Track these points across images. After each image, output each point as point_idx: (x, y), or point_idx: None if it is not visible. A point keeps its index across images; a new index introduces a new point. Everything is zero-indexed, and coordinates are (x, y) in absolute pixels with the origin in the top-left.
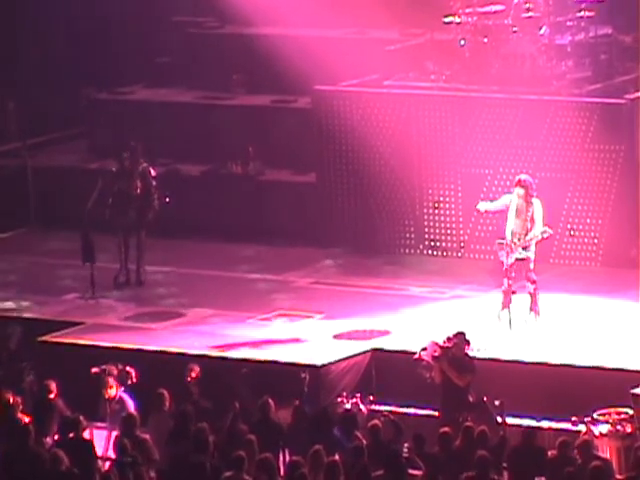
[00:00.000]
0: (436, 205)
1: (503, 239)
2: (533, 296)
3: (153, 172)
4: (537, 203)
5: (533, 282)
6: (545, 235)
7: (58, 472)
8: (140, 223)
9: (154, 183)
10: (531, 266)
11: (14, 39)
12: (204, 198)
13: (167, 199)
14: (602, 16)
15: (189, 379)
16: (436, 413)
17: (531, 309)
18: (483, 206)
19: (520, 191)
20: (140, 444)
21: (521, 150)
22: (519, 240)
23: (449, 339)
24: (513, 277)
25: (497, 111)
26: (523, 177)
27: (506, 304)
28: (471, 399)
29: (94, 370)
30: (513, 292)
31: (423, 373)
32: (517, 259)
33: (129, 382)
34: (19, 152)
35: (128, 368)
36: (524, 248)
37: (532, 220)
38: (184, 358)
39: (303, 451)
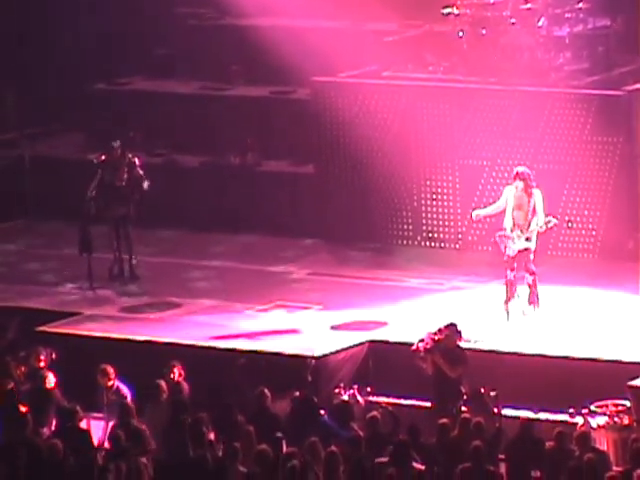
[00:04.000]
0: (434, 197)
1: (503, 231)
2: (532, 287)
3: (138, 161)
4: (538, 193)
5: (532, 273)
6: (550, 225)
7: (55, 462)
8: (126, 215)
9: (141, 172)
10: (531, 257)
11: (14, 30)
12: (202, 189)
13: (146, 185)
14: (600, 8)
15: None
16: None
17: (530, 301)
18: (477, 213)
19: (520, 184)
20: (136, 434)
21: (519, 142)
22: (522, 232)
23: (440, 331)
24: (516, 268)
25: (495, 103)
26: (521, 169)
27: (511, 296)
28: (463, 390)
29: (21, 354)
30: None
31: (420, 364)
32: (519, 250)
33: (50, 360)
34: (17, 142)
35: (49, 349)
36: (527, 239)
37: (534, 211)
38: (181, 349)
39: (300, 442)
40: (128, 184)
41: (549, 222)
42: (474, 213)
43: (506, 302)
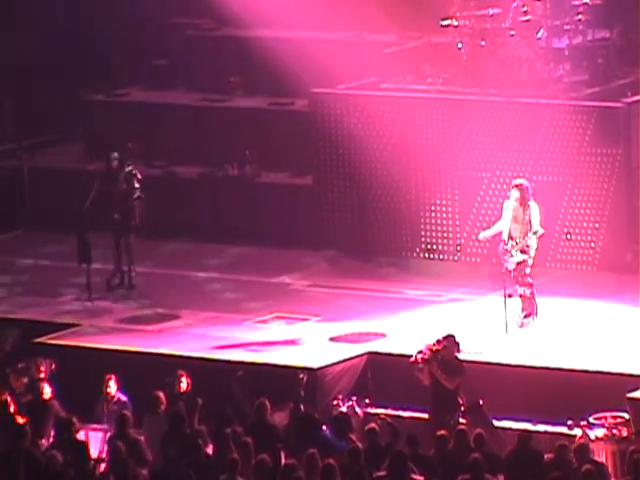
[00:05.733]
0: (433, 208)
1: (502, 243)
2: (530, 299)
3: (139, 175)
4: (534, 206)
5: (530, 285)
6: (537, 235)
7: (53, 474)
8: (126, 226)
9: (136, 184)
10: (527, 270)
11: (11, 39)
12: (201, 200)
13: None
14: (599, 20)
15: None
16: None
17: (528, 312)
18: (484, 235)
19: (515, 194)
20: (133, 445)
21: (518, 153)
22: (517, 244)
23: (438, 342)
24: (520, 281)
25: (494, 114)
26: (519, 181)
27: (527, 308)
28: (460, 401)
29: (21, 365)
30: (509, 295)
31: (419, 376)
32: (517, 263)
33: (50, 372)
34: (16, 153)
35: (48, 360)
36: (522, 252)
37: (529, 224)
38: (179, 360)
39: (299, 453)
40: (125, 196)
41: (537, 232)
42: (481, 235)
43: (527, 315)
